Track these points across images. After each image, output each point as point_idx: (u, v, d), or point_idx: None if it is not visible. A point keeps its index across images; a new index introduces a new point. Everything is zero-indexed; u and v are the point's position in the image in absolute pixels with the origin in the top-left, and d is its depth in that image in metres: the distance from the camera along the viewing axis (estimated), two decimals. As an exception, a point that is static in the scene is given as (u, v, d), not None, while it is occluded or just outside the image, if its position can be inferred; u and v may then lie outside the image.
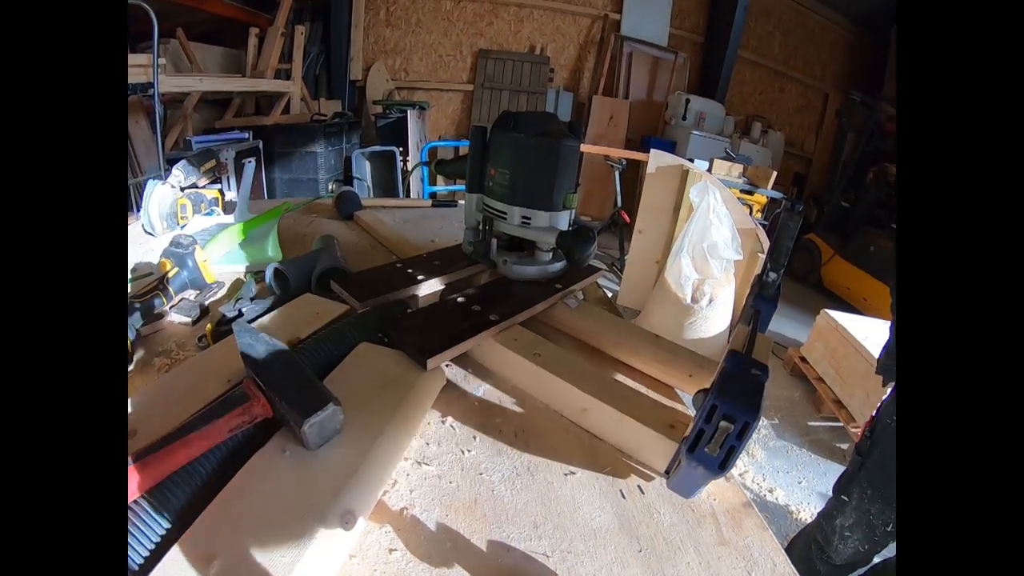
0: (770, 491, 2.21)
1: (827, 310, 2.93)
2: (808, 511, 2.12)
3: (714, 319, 3.01)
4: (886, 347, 0.89)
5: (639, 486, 0.65)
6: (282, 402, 0.54)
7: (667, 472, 0.66)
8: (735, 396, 0.46)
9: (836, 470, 2.41)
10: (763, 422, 2.58)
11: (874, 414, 1.15)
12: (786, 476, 2.33)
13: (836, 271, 4.50)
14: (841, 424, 2.57)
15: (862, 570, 1.24)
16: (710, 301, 2.96)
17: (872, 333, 2.65)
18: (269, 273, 0.92)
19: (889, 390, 1.07)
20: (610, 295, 3.58)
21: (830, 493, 1.22)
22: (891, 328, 0.89)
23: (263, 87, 4.14)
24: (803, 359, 3.06)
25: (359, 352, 0.73)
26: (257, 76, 4.15)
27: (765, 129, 5.99)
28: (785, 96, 6.63)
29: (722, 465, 0.47)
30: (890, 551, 1.18)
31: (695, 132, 5.28)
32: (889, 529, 1.11)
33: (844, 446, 2.56)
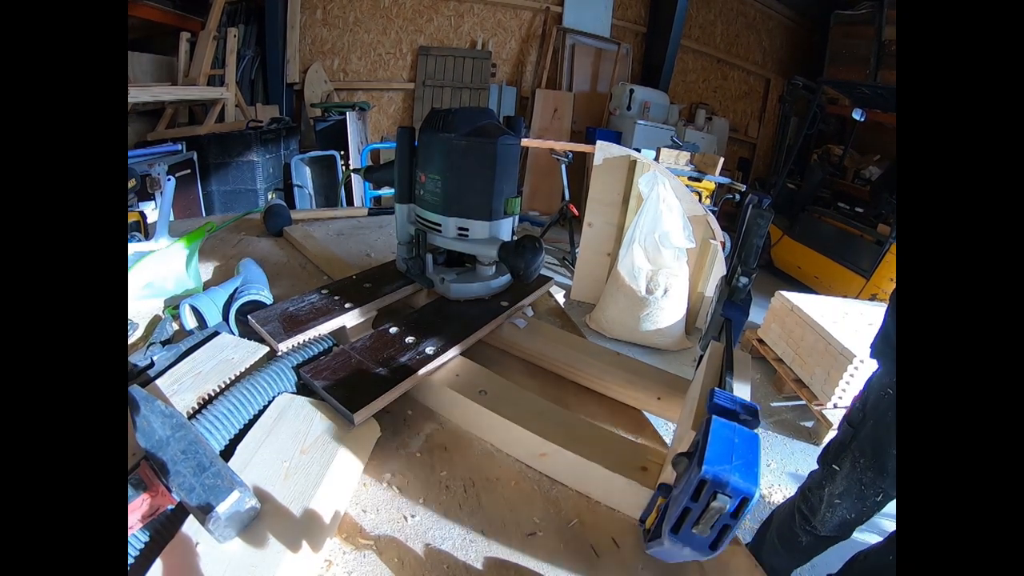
0: (740, 478, 2.19)
1: (782, 292, 2.94)
2: (780, 493, 2.10)
3: (670, 309, 2.98)
4: (882, 331, 0.84)
5: (613, 538, 0.57)
6: (180, 492, 0.46)
7: (642, 520, 0.57)
8: (727, 466, 0.36)
9: (803, 449, 2.43)
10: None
11: (863, 388, 1.13)
12: (754, 460, 2.32)
13: (786, 251, 4.60)
14: (804, 403, 2.58)
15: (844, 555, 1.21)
16: (665, 292, 2.93)
17: (827, 312, 2.67)
18: (183, 310, 0.82)
19: (877, 365, 1.05)
20: (563, 292, 3.54)
21: (800, 472, 1.18)
22: (887, 313, 0.85)
23: (195, 95, 3.85)
24: (760, 341, 3.08)
25: (278, 406, 0.63)
26: (189, 83, 3.87)
27: (710, 116, 6.08)
28: (728, 83, 6.76)
29: (713, 546, 0.38)
30: (870, 535, 1.16)
31: (640, 122, 5.26)
32: (879, 499, 1.09)
33: (809, 424, 2.57)
